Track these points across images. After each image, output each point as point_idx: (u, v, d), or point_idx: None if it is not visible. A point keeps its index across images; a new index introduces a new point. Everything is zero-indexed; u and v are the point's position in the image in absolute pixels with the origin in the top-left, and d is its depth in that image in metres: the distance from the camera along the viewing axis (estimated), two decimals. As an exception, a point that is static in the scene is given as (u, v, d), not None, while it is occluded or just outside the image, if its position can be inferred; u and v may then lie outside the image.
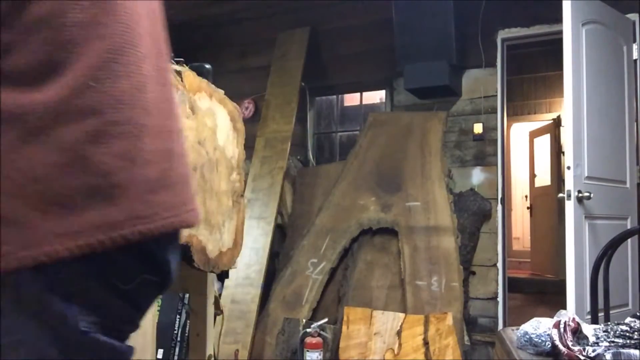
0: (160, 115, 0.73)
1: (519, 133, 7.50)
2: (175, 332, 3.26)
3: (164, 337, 3.20)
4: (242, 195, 1.70)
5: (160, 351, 3.19)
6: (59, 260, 0.62)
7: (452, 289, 3.54)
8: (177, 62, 1.48)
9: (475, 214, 3.82)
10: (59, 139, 0.63)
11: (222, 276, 1.74)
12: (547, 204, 6.50)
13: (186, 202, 0.75)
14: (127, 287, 0.71)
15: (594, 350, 1.48)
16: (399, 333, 3.39)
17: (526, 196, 7.67)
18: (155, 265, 0.74)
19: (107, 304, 0.70)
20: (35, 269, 0.62)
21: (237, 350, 3.68)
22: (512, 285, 4.43)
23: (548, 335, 1.61)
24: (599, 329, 1.64)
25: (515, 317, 3.95)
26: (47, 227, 0.62)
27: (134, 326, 0.78)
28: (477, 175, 3.94)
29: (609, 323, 1.74)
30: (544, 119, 6.66)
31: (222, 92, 1.63)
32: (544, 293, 5.84)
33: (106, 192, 0.65)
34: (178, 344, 3.26)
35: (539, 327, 1.67)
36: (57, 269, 0.63)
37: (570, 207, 2.90)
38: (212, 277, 1.71)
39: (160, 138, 0.72)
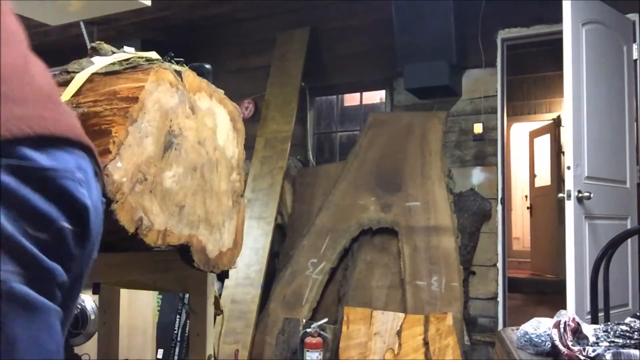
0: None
1: (519, 133, 7.50)
2: (175, 332, 3.26)
3: (164, 337, 3.20)
4: (242, 195, 1.70)
5: (160, 351, 3.19)
6: None
7: (452, 289, 3.54)
8: (177, 62, 1.48)
9: (475, 214, 3.82)
10: None
11: (222, 276, 1.74)
12: (547, 204, 6.50)
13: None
14: (43, 236, 0.67)
15: (594, 350, 1.48)
16: (399, 333, 3.39)
17: (526, 196, 7.67)
18: (71, 209, 0.70)
19: (25, 254, 0.65)
20: None
21: (237, 350, 3.68)
22: (512, 285, 4.43)
23: (548, 335, 1.61)
24: (599, 329, 1.64)
25: (515, 317, 3.95)
26: None
27: (63, 287, 0.71)
28: (477, 175, 3.94)
29: (609, 323, 1.74)
30: (544, 119, 6.66)
31: (222, 92, 1.63)
32: (544, 293, 5.85)
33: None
34: (178, 344, 3.26)
35: (539, 327, 1.67)
36: None
37: (570, 207, 2.90)
38: (212, 277, 1.71)
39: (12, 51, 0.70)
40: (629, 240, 2.99)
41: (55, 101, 0.75)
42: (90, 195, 0.74)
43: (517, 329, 1.77)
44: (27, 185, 0.65)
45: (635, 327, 1.58)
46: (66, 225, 0.70)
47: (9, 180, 0.63)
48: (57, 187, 0.69)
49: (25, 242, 0.65)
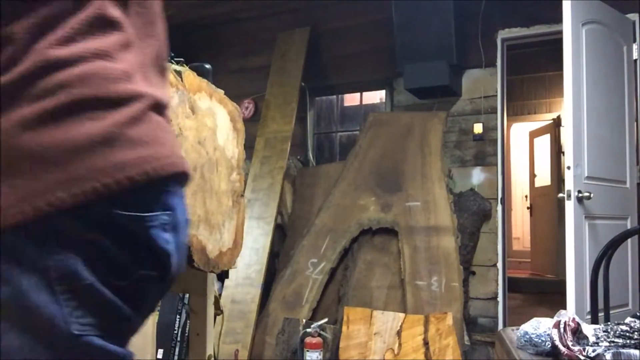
0: (149, 66, 0.74)
1: (519, 133, 7.50)
2: (175, 332, 3.26)
3: (164, 337, 3.20)
4: (242, 195, 1.70)
5: (160, 351, 3.19)
6: (54, 233, 0.60)
7: (452, 289, 3.54)
8: (177, 62, 1.48)
9: (475, 214, 3.82)
10: (45, 85, 0.62)
11: (222, 276, 1.74)
12: (547, 204, 6.50)
13: (171, 153, 0.72)
14: (123, 283, 0.67)
15: (594, 350, 1.48)
16: (399, 333, 3.39)
17: (526, 196, 7.67)
18: (153, 256, 0.69)
19: (102, 304, 0.65)
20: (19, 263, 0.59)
21: (237, 350, 3.68)
22: (512, 285, 4.43)
23: (548, 335, 1.61)
24: (599, 329, 1.64)
25: (515, 317, 3.95)
26: (42, 178, 0.60)
27: (134, 329, 0.72)
28: (477, 175, 3.94)
29: (609, 323, 1.74)
30: (544, 119, 6.66)
31: (222, 92, 1.63)
32: (544, 293, 5.84)
33: (103, 136, 0.64)
34: (178, 344, 3.26)
35: (539, 327, 1.67)
36: (46, 259, 0.60)
37: (570, 207, 2.90)
38: (212, 277, 1.71)
39: (152, 86, 0.72)
40: (629, 240, 2.99)
41: (167, 128, 0.74)
42: (175, 237, 0.73)
43: (517, 329, 1.77)
44: (111, 236, 0.64)
45: (635, 327, 1.58)
46: (146, 272, 0.69)
47: (96, 235, 0.63)
48: (141, 236, 0.67)
49: (106, 292, 0.65)
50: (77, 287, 0.63)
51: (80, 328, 0.63)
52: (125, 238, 0.65)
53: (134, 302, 0.69)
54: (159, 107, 0.72)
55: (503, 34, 3.92)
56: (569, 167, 2.94)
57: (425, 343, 3.32)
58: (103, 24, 0.68)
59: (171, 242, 0.71)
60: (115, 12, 0.70)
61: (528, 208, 7.35)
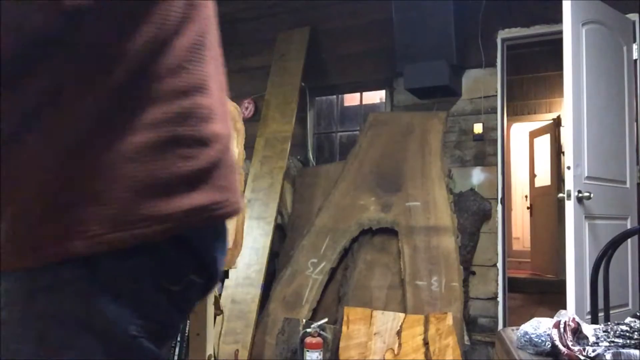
0: (223, 101, 0.76)
1: (519, 133, 7.50)
2: (175, 332, 3.26)
3: (164, 337, 3.20)
4: (242, 195, 1.70)
5: (160, 351, 3.19)
6: (130, 249, 0.63)
7: (452, 289, 3.54)
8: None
9: (475, 214, 3.82)
10: (162, 117, 0.65)
11: (222, 276, 1.74)
12: (547, 204, 6.50)
13: (236, 189, 0.76)
14: (176, 288, 0.69)
15: (594, 350, 1.48)
16: (399, 333, 3.39)
17: (526, 196, 7.67)
18: (203, 264, 0.72)
19: (155, 307, 0.68)
20: (89, 267, 0.62)
21: (237, 350, 3.68)
22: (512, 285, 4.43)
23: (548, 335, 1.61)
24: (599, 329, 1.64)
25: (515, 317, 3.95)
26: (139, 209, 0.63)
27: (176, 332, 0.75)
28: (477, 175, 3.94)
29: (609, 323, 1.74)
30: (544, 119, 6.66)
31: (222, 92, 1.63)
32: (544, 293, 5.84)
33: (194, 175, 0.67)
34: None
35: (539, 327, 1.67)
36: (108, 266, 0.63)
37: (570, 207, 2.90)
38: (212, 277, 1.71)
39: (225, 124, 0.74)
40: (629, 240, 2.99)
41: (235, 169, 0.77)
42: (222, 244, 0.77)
43: (517, 329, 1.77)
44: (169, 242, 0.67)
45: (635, 327, 1.58)
46: (195, 277, 0.72)
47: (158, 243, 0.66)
48: (195, 243, 0.71)
49: (161, 295, 0.68)
50: (136, 289, 0.66)
51: (137, 329, 0.65)
52: (181, 245, 0.68)
53: (181, 306, 0.72)
54: (230, 146, 0.75)
55: (503, 34, 3.92)
56: (569, 167, 2.94)
57: (425, 343, 3.32)
58: (201, 52, 0.70)
59: (217, 249, 0.75)
60: (212, 38, 0.74)
61: (528, 208, 7.35)
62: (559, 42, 3.04)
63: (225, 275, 1.76)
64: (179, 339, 3.27)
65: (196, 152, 0.67)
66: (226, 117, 0.75)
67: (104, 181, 0.62)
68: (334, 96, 4.86)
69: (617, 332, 1.57)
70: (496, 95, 3.92)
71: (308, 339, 3.43)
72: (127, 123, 0.63)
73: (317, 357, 3.39)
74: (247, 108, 4.73)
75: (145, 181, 0.63)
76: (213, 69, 0.73)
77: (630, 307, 3.19)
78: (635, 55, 3.50)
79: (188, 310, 0.75)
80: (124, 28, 0.62)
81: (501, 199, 3.86)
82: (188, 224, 0.66)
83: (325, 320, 3.56)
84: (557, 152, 6.32)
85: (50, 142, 0.61)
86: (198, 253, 0.71)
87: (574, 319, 1.60)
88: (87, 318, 0.63)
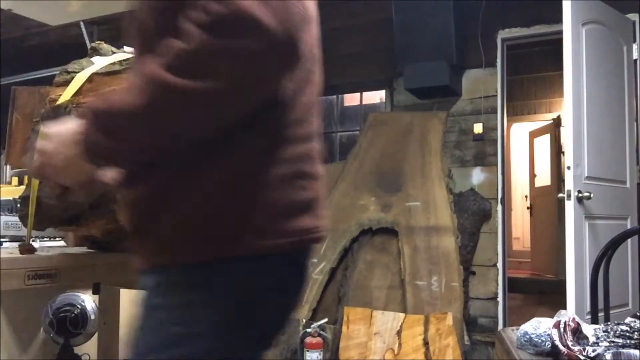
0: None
1: (519, 133, 7.50)
2: (175, 332, 3.26)
3: (164, 337, 3.20)
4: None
5: (160, 351, 3.18)
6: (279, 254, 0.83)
7: (452, 289, 3.54)
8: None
9: (475, 214, 3.82)
10: (290, 155, 0.84)
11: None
12: (547, 204, 6.50)
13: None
14: (283, 301, 0.88)
15: (594, 350, 1.48)
16: (399, 333, 3.39)
17: (526, 196, 7.67)
18: (302, 278, 0.91)
19: (272, 306, 0.87)
20: (238, 266, 0.81)
21: (237, 350, 3.68)
22: (512, 285, 4.43)
23: (548, 335, 1.61)
24: (599, 329, 1.64)
25: (515, 317, 3.94)
26: (276, 225, 0.82)
27: (275, 342, 0.93)
28: (477, 175, 3.93)
29: (609, 323, 1.74)
30: (544, 119, 6.66)
31: (222, 92, 1.62)
32: (544, 293, 5.84)
33: (307, 203, 0.86)
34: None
35: (539, 327, 1.67)
36: (251, 266, 0.81)
37: (570, 207, 2.90)
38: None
39: (322, 166, 0.92)
40: (629, 240, 2.99)
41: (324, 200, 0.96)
42: (309, 267, 0.94)
43: (517, 329, 1.77)
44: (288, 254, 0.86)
45: (635, 327, 1.58)
46: (296, 289, 0.91)
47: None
48: (302, 263, 0.90)
49: (277, 298, 0.87)
50: (264, 288, 0.84)
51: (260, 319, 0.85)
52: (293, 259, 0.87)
53: (280, 323, 0.91)
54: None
55: (503, 34, 3.92)
56: (569, 167, 2.94)
57: (425, 343, 3.32)
58: (314, 107, 0.91)
59: (308, 267, 0.94)
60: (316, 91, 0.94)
61: (528, 208, 7.35)
62: (559, 42, 3.04)
63: (225, 275, 1.75)
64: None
65: (309, 185, 0.86)
66: (321, 159, 0.94)
67: (256, 201, 0.81)
68: (334, 96, 4.86)
69: (617, 332, 1.57)
70: (496, 95, 3.92)
71: (308, 339, 3.43)
72: (274, 158, 0.82)
73: (317, 357, 3.39)
74: (247, 108, 4.73)
75: (281, 204, 0.82)
76: (318, 121, 0.92)
77: (630, 307, 3.19)
78: (635, 55, 3.50)
79: (288, 315, 0.92)
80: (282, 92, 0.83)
81: (501, 199, 3.86)
82: (302, 241, 0.85)
83: (325, 320, 3.56)
84: (557, 152, 6.32)
85: (226, 166, 0.80)
86: (303, 268, 0.90)
87: (574, 319, 1.60)
88: (241, 305, 0.81)
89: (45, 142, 0.84)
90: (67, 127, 0.82)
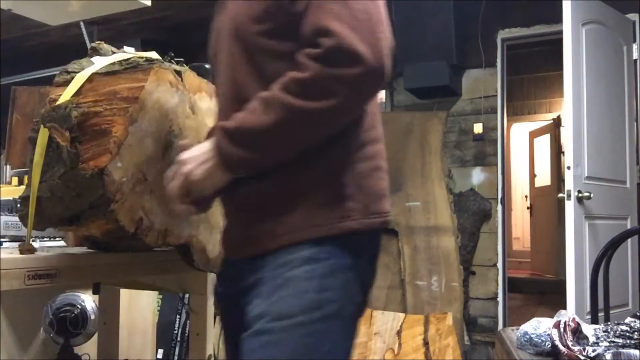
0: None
1: (519, 133, 7.50)
2: (175, 332, 3.26)
3: (164, 337, 3.20)
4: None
5: (161, 351, 3.19)
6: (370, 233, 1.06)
7: (452, 289, 3.54)
8: (177, 62, 1.48)
9: (475, 214, 3.82)
10: (370, 153, 1.06)
11: (223, 276, 1.74)
12: (547, 204, 6.50)
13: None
14: (374, 267, 1.13)
15: (594, 350, 1.48)
16: (398, 333, 3.39)
17: (526, 196, 7.67)
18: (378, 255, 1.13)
19: (370, 276, 1.12)
20: (351, 240, 1.03)
21: (237, 350, 3.68)
22: (512, 285, 4.43)
23: (548, 335, 1.61)
24: (599, 329, 1.64)
25: (515, 317, 3.95)
26: (370, 207, 1.04)
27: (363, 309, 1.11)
28: (477, 175, 3.93)
29: (609, 323, 1.74)
30: (544, 119, 6.66)
31: (222, 92, 1.62)
32: (544, 293, 5.85)
33: (385, 191, 1.09)
34: (178, 344, 3.26)
35: (539, 327, 1.67)
36: (359, 241, 1.04)
37: (570, 207, 2.90)
38: (212, 277, 1.71)
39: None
40: (629, 240, 2.99)
41: None
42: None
43: (517, 329, 1.77)
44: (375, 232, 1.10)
45: (635, 327, 1.58)
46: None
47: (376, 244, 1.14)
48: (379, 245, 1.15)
49: (372, 270, 1.13)
50: (367, 260, 1.10)
51: (347, 308, 1.02)
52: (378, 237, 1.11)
53: (373, 284, 1.13)
54: None
55: (503, 34, 3.92)
56: (569, 167, 2.94)
57: (425, 343, 3.32)
58: (379, 114, 1.13)
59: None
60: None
61: (528, 208, 7.35)
62: (559, 42, 3.04)
63: (226, 275, 1.76)
64: (178, 339, 3.27)
65: (384, 176, 1.09)
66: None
67: (357, 187, 1.03)
68: (334, 96, 4.85)
69: (617, 332, 1.57)
70: (496, 95, 3.92)
71: (308, 339, 3.42)
72: (363, 154, 1.05)
73: (317, 357, 3.39)
74: (247, 108, 4.73)
75: (372, 190, 1.05)
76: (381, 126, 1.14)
77: (630, 307, 3.19)
78: (635, 55, 3.50)
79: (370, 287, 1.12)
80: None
81: (501, 199, 3.86)
82: (385, 221, 1.07)
83: (325, 320, 3.56)
84: (557, 152, 6.33)
85: (337, 161, 1.03)
86: (380, 245, 1.12)
87: (574, 319, 1.60)
88: (355, 271, 1.03)
89: (183, 165, 1.04)
90: (199, 148, 1.03)
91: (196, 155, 1.02)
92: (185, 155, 1.05)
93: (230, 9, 1.09)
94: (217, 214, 1.57)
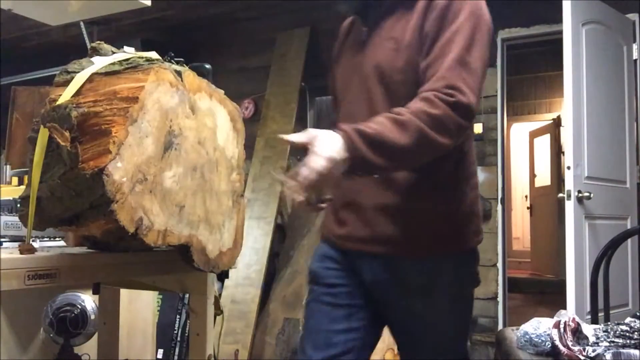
0: None
1: (519, 133, 7.50)
2: (175, 332, 3.26)
3: (164, 337, 3.20)
4: (242, 195, 1.70)
5: (160, 351, 3.19)
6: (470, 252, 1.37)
7: (452, 289, 3.54)
8: (177, 62, 1.48)
9: (475, 214, 3.81)
10: (475, 183, 1.38)
11: (222, 276, 1.74)
12: (547, 204, 6.50)
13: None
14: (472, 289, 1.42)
15: (594, 350, 1.48)
16: (399, 333, 3.39)
17: (526, 196, 7.67)
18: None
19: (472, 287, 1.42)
20: (470, 256, 1.38)
21: (237, 350, 3.68)
22: (512, 285, 4.43)
23: (548, 335, 1.61)
24: (599, 329, 1.64)
25: (515, 317, 3.95)
26: (477, 228, 1.37)
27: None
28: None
29: (609, 323, 1.74)
30: (544, 119, 6.66)
31: (222, 92, 1.62)
32: (544, 293, 5.84)
33: (476, 213, 1.36)
34: (178, 344, 3.26)
35: (539, 327, 1.67)
36: (472, 256, 1.37)
37: (570, 207, 2.90)
38: (212, 277, 1.71)
39: None
40: (629, 240, 2.99)
41: None
42: None
43: (517, 329, 1.77)
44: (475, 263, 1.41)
45: (635, 327, 1.58)
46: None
47: (473, 262, 1.42)
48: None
49: (474, 282, 1.43)
50: (472, 272, 1.39)
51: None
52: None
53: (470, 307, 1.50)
54: None
55: (503, 34, 3.92)
56: (569, 167, 2.94)
57: (425, 343, 3.32)
58: (474, 154, 1.44)
59: None
60: None
61: (528, 208, 7.35)
62: (559, 42, 3.04)
63: (225, 275, 1.75)
64: (178, 339, 3.27)
65: (479, 203, 1.37)
66: None
67: (472, 212, 1.34)
68: (334, 96, 4.85)
69: (617, 332, 1.57)
70: (496, 95, 3.92)
71: (308, 339, 3.42)
72: (473, 184, 1.36)
73: (317, 357, 3.39)
74: (247, 108, 4.73)
75: (479, 214, 1.37)
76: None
77: (630, 307, 3.19)
78: (635, 55, 3.50)
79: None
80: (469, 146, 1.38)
81: (501, 199, 3.86)
82: (480, 241, 1.37)
83: (325, 320, 3.56)
84: (557, 152, 6.32)
85: (463, 190, 1.35)
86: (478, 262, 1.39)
87: (574, 319, 1.60)
88: (470, 281, 1.38)
89: (317, 158, 1.09)
90: (329, 144, 1.10)
91: (328, 151, 1.10)
92: (317, 150, 1.11)
93: (372, 58, 1.31)
94: (217, 213, 1.57)
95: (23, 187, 1.79)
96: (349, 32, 1.53)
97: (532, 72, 6.30)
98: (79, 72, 1.29)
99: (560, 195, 3.03)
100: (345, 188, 1.28)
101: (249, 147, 3.32)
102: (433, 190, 1.28)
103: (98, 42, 1.42)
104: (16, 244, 1.40)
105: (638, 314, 1.69)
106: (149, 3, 3.01)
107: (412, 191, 1.28)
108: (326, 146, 1.10)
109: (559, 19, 3.09)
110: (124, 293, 2.21)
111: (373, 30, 1.35)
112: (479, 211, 1.36)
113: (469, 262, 1.35)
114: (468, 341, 1.49)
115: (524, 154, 7.51)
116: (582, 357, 1.48)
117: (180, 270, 1.61)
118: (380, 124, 1.13)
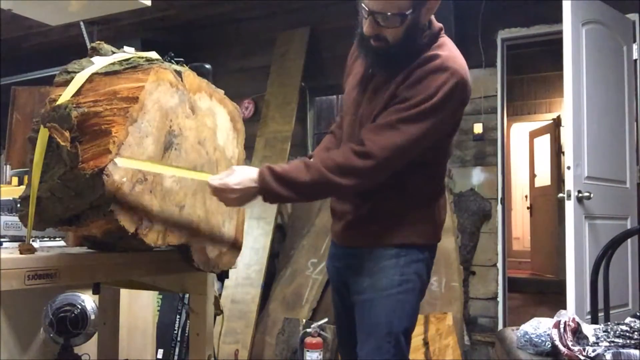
0: None
1: (519, 133, 7.50)
2: (175, 332, 3.26)
3: (164, 337, 3.20)
4: (242, 195, 1.69)
5: (160, 351, 3.19)
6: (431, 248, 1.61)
7: (452, 289, 3.54)
8: (177, 62, 1.48)
9: (475, 214, 3.82)
10: (443, 194, 1.66)
11: (222, 276, 1.74)
12: (547, 204, 6.50)
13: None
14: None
15: (594, 350, 1.48)
16: (399, 333, 3.38)
17: (526, 196, 7.67)
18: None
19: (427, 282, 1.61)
20: (424, 251, 1.58)
21: (237, 350, 3.68)
22: (512, 285, 4.43)
23: (548, 335, 1.61)
24: (599, 329, 1.64)
25: (515, 317, 3.95)
26: (438, 230, 1.61)
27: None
28: (477, 175, 3.93)
29: (609, 323, 1.74)
30: (544, 119, 6.66)
31: (222, 92, 1.63)
32: (544, 293, 5.84)
33: (444, 222, 1.63)
34: (178, 344, 3.26)
35: (539, 327, 1.67)
36: (429, 252, 1.59)
37: (570, 207, 2.90)
38: (212, 277, 1.71)
39: None
40: (629, 240, 2.99)
41: None
42: None
43: (517, 329, 1.77)
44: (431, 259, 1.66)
45: (635, 327, 1.58)
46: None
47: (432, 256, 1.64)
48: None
49: (429, 277, 1.62)
50: (429, 267, 1.60)
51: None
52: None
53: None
54: None
55: (503, 34, 3.92)
56: (569, 167, 2.94)
57: (425, 343, 3.32)
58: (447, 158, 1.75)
59: None
60: None
61: (528, 208, 7.35)
62: (559, 42, 3.04)
63: (225, 275, 1.76)
64: (178, 339, 3.27)
65: (444, 211, 1.63)
66: None
67: (433, 215, 1.58)
68: (334, 96, 4.86)
69: (617, 332, 1.57)
70: (496, 95, 3.92)
71: (308, 339, 3.43)
72: (438, 191, 1.62)
73: (317, 357, 3.39)
74: (247, 108, 4.73)
75: (441, 219, 1.60)
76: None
77: (630, 307, 3.19)
78: (635, 55, 3.50)
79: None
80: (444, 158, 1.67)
81: (501, 199, 3.86)
82: (439, 238, 1.62)
83: (326, 320, 3.56)
84: (557, 152, 6.32)
85: (420, 194, 1.55)
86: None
87: (574, 319, 1.60)
88: (425, 277, 1.58)
89: (232, 184, 1.40)
90: (245, 176, 1.42)
91: (242, 183, 1.41)
92: (232, 180, 1.40)
93: (372, 107, 1.55)
94: (217, 213, 1.57)
95: (23, 187, 1.79)
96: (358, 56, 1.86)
97: (532, 72, 6.30)
98: (79, 72, 1.29)
99: (560, 195, 3.03)
100: (340, 200, 1.62)
101: (249, 147, 3.32)
102: (398, 201, 1.53)
103: (98, 42, 1.42)
104: (16, 244, 1.40)
105: (638, 314, 1.69)
106: (149, 3, 3.02)
107: (379, 199, 1.53)
108: (239, 175, 1.41)
109: (559, 19, 3.09)
110: (124, 293, 2.21)
111: (374, 75, 1.64)
112: (442, 219, 1.61)
113: (422, 251, 1.57)
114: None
115: (524, 154, 7.51)
116: (582, 357, 1.48)
117: (180, 270, 1.61)
118: (291, 165, 1.44)
